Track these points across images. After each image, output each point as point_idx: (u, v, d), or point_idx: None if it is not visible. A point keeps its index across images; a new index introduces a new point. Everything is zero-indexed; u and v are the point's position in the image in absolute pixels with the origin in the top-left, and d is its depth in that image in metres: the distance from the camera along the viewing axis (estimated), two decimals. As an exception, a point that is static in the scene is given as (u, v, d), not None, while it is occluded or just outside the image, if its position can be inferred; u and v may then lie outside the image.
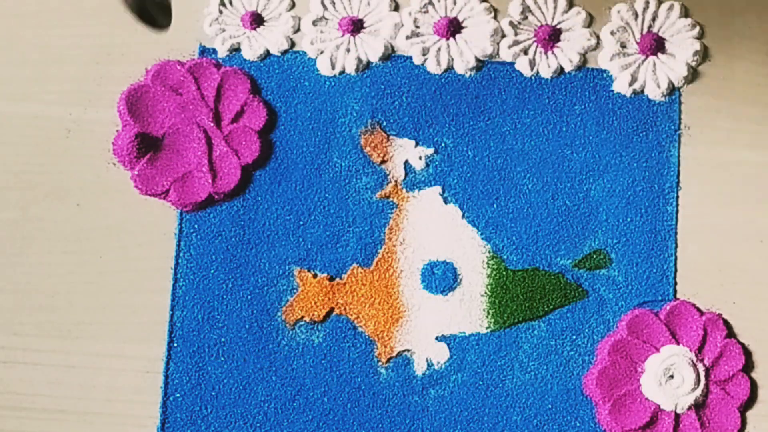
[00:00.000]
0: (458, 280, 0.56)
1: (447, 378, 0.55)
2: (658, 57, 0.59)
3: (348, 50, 0.59)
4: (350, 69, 0.59)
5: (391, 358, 0.56)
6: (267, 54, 0.59)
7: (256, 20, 0.59)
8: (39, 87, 0.58)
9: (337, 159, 0.58)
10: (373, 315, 0.56)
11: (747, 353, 0.56)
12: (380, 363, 0.55)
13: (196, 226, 0.57)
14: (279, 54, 0.59)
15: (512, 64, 0.59)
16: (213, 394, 0.55)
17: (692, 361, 0.55)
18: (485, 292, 0.56)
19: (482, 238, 0.57)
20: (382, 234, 0.57)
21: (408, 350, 0.56)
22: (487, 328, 0.56)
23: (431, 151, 0.58)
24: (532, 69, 0.59)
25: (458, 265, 0.57)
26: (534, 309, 0.56)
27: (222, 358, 0.55)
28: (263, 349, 0.55)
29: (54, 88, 0.58)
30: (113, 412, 0.55)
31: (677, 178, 0.58)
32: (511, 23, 0.59)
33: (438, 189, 0.57)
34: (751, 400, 0.55)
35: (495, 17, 0.60)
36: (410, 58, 0.59)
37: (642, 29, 0.60)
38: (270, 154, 0.58)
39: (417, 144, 0.58)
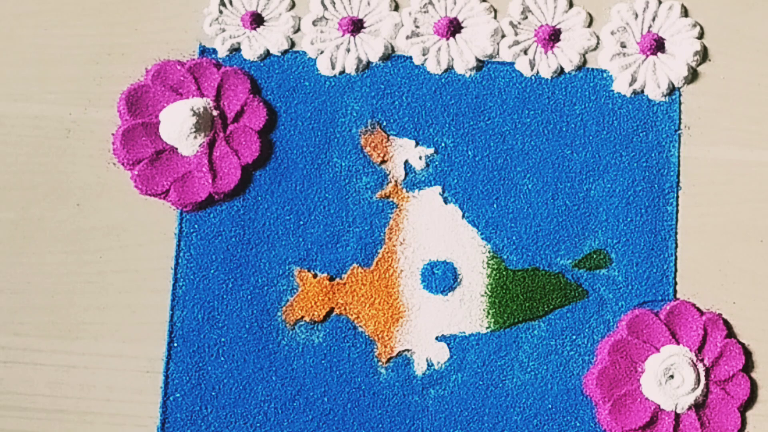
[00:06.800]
0: (458, 280, 0.56)
1: (447, 378, 0.55)
2: (658, 57, 0.59)
3: (348, 50, 0.59)
4: (350, 69, 0.59)
5: (391, 358, 0.56)
6: (267, 54, 0.59)
7: (256, 20, 0.59)
8: (39, 87, 0.58)
9: (337, 159, 0.58)
10: (373, 315, 0.56)
11: (747, 353, 0.56)
12: (380, 363, 0.55)
13: (196, 226, 0.57)
14: (279, 54, 0.59)
15: (512, 64, 0.59)
16: (213, 394, 0.55)
17: (692, 361, 0.55)
18: (485, 292, 0.56)
19: (482, 238, 0.57)
20: (382, 234, 0.57)
21: (408, 350, 0.56)
22: (487, 328, 0.56)
23: (431, 151, 0.58)
24: (532, 69, 0.59)
25: (458, 265, 0.57)
26: (534, 309, 0.56)
27: (222, 358, 0.55)
28: (263, 349, 0.55)
29: (54, 88, 0.58)
30: (113, 412, 0.55)
31: (677, 178, 0.58)
32: (511, 23, 0.59)
33: (438, 189, 0.57)
34: (751, 400, 0.55)
35: (495, 17, 0.60)
36: (410, 58, 0.59)
37: (642, 29, 0.60)
38: (270, 154, 0.58)
39: (417, 144, 0.58)
